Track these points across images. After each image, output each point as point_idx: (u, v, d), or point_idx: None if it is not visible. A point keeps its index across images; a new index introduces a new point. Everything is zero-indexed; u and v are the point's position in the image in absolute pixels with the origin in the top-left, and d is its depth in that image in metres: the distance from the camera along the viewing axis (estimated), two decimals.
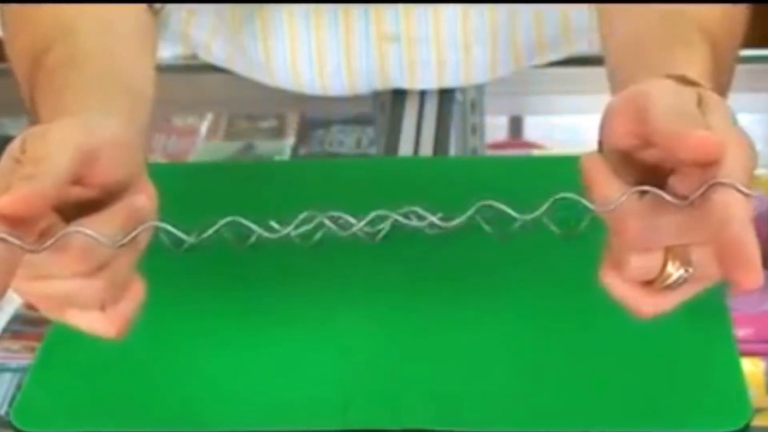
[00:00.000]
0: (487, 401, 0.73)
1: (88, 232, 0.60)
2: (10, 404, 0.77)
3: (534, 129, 1.23)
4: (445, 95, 1.12)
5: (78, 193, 0.62)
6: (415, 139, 1.05)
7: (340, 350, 0.77)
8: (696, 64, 0.69)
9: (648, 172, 0.62)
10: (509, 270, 0.82)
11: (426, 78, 1.09)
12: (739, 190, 0.57)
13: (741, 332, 0.78)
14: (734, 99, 1.13)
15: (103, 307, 0.63)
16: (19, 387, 0.79)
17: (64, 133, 0.62)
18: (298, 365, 0.76)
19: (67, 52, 0.77)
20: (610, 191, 0.61)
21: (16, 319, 0.86)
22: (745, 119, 1.08)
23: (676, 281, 0.61)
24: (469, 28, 1.06)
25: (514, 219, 0.62)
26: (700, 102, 0.61)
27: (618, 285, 0.63)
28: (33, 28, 0.81)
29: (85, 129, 0.63)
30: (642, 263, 0.61)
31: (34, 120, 0.75)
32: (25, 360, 0.81)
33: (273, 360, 0.77)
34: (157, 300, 0.83)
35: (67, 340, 0.80)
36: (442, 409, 0.73)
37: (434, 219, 0.64)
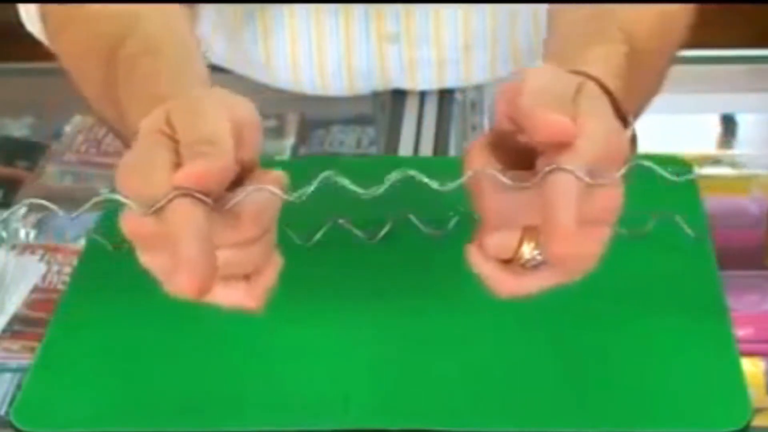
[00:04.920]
0: (487, 401, 0.73)
1: (274, 190, 0.62)
2: (10, 404, 0.77)
3: None
4: (445, 95, 1.12)
5: None
6: (415, 139, 1.05)
7: (340, 350, 0.77)
8: (605, 61, 0.71)
9: (523, 155, 0.64)
10: None
11: (426, 78, 1.09)
12: (578, 177, 0.59)
13: (741, 332, 0.78)
14: (734, 99, 1.13)
15: (247, 278, 0.64)
16: (19, 387, 0.79)
17: (216, 111, 0.63)
18: (298, 364, 0.76)
19: (141, 41, 0.78)
20: (478, 165, 0.64)
21: (16, 319, 0.86)
22: (745, 119, 1.08)
23: (529, 261, 0.65)
24: (470, 29, 1.07)
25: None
26: (579, 90, 0.64)
27: (479, 262, 0.66)
28: (94, 24, 0.82)
29: (229, 106, 0.64)
30: (497, 240, 0.64)
31: (111, 111, 0.77)
32: (25, 360, 0.81)
33: (273, 359, 0.77)
34: (157, 300, 0.83)
35: (67, 340, 0.80)
36: (442, 409, 0.73)
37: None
